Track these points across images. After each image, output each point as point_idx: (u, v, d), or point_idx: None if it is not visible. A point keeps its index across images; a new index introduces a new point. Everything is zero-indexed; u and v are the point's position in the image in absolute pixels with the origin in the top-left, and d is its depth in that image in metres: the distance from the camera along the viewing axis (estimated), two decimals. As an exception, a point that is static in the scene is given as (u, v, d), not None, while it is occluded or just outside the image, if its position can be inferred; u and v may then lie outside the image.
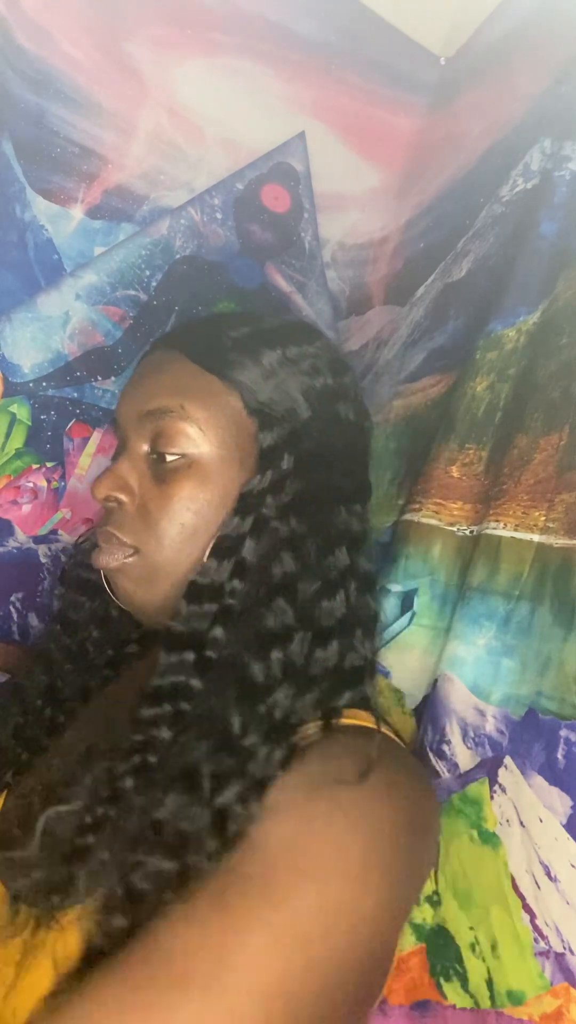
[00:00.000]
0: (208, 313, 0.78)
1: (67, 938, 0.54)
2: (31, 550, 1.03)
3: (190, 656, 0.64)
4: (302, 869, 0.52)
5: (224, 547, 0.67)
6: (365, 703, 0.66)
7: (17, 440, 1.00)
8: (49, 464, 1.03)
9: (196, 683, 0.63)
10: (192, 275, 1.07)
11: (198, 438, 0.69)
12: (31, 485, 1.02)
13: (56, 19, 0.93)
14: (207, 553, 0.68)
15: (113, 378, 1.04)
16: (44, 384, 1.01)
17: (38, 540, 1.03)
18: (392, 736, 0.65)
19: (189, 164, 1.03)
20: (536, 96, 0.93)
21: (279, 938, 0.50)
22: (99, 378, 1.04)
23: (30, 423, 1.01)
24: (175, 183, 1.03)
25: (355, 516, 0.73)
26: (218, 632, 0.64)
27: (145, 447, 0.71)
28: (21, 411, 1.00)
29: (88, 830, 0.58)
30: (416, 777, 0.62)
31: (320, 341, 0.77)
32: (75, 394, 1.03)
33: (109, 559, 0.69)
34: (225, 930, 0.49)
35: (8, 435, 1.00)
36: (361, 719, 0.63)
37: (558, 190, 0.87)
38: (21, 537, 1.02)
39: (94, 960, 0.52)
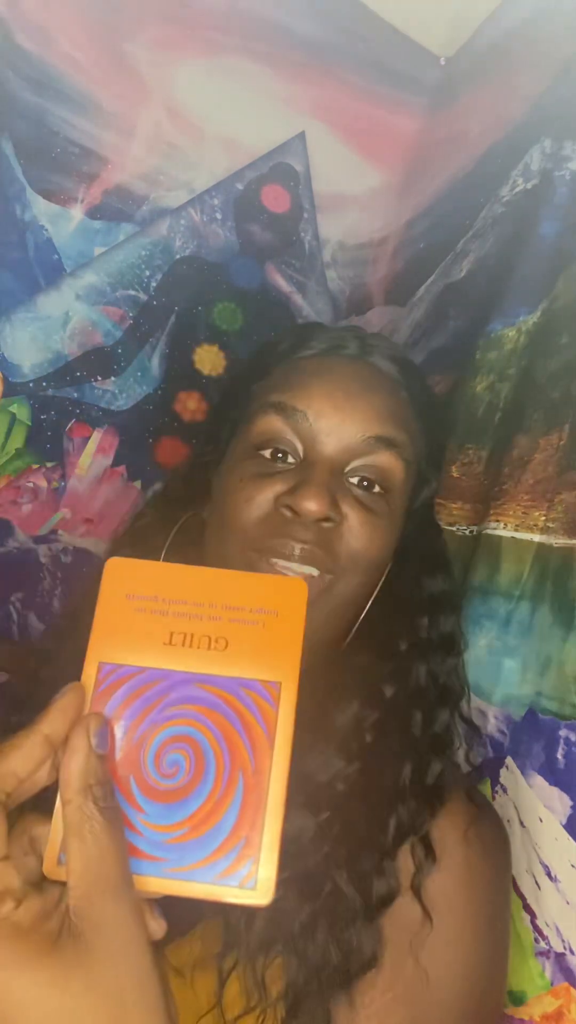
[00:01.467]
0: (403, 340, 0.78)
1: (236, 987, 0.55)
2: (31, 550, 1.03)
3: (370, 712, 0.63)
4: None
5: (392, 598, 0.67)
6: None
7: (17, 440, 1.00)
8: (49, 464, 1.03)
9: (369, 736, 0.62)
10: (192, 275, 1.07)
11: (402, 481, 0.66)
12: (31, 485, 1.02)
13: (56, 19, 0.93)
14: (371, 599, 0.66)
15: (113, 378, 1.04)
16: (44, 384, 1.01)
17: (38, 540, 1.03)
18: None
19: (189, 164, 1.03)
20: (536, 96, 0.93)
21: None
22: (99, 378, 1.04)
23: (30, 423, 1.01)
24: (175, 183, 1.03)
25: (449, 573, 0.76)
26: (391, 688, 0.64)
27: (343, 463, 0.65)
28: (21, 411, 1.00)
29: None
30: (499, 823, 0.66)
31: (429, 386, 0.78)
32: (75, 394, 1.03)
33: (308, 584, 0.64)
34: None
35: (8, 435, 1.00)
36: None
37: (558, 190, 0.87)
38: (21, 537, 1.02)
39: None
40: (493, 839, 0.62)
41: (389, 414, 0.66)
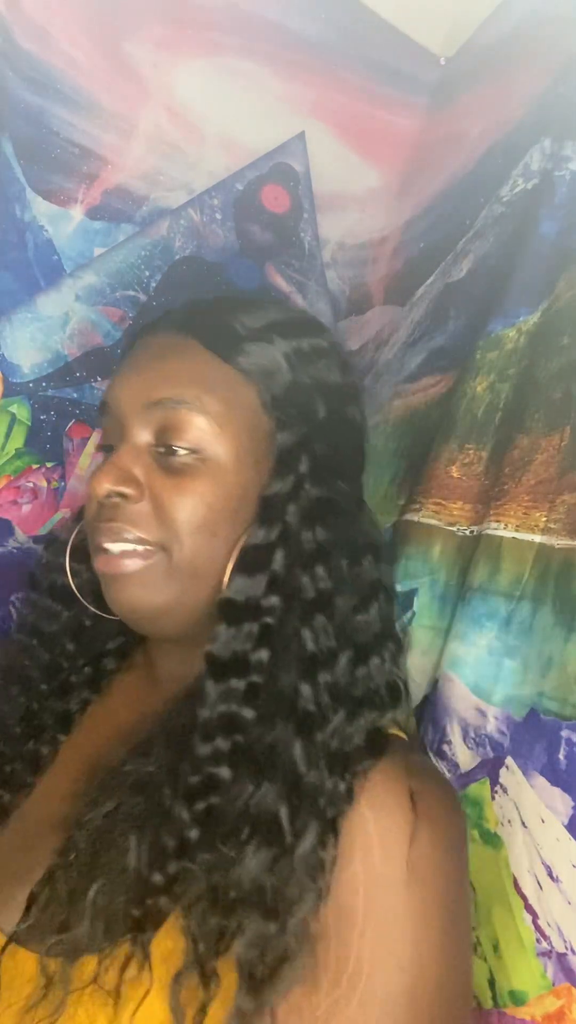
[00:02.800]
0: (213, 296, 0.73)
1: (146, 1011, 0.51)
2: (31, 550, 1.03)
3: (239, 684, 0.59)
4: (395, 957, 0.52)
5: (253, 559, 0.62)
6: (397, 724, 0.65)
7: (17, 440, 1.00)
8: (49, 464, 1.03)
9: (248, 713, 0.58)
10: (192, 276, 1.06)
11: (213, 434, 0.63)
12: (31, 485, 1.02)
13: (56, 19, 0.93)
14: (231, 565, 0.63)
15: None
16: (44, 384, 1.01)
17: (38, 540, 1.03)
18: (428, 759, 0.64)
19: (189, 164, 1.03)
20: (536, 96, 0.93)
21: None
22: (99, 378, 1.04)
23: (30, 423, 1.01)
24: (175, 184, 1.03)
25: (372, 524, 0.70)
26: (263, 655, 0.60)
27: (148, 437, 0.65)
28: (21, 411, 1.00)
29: (159, 892, 0.54)
30: (458, 804, 0.61)
31: (330, 336, 0.73)
32: (75, 394, 1.03)
33: (129, 561, 0.63)
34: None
35: (8, 435, 1.00)
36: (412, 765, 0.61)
37: (558, 190, 0.87)
38: (21, 537, 1.02)
39: None
40: (436, 807, 0.57)
41: (173, 374, 0.65)
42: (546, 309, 0.85)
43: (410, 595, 0.91)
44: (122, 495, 0.63)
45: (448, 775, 0.79)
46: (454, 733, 0.80)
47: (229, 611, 0.61)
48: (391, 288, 1.13)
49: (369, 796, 0.56)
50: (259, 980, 0.51)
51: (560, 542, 0.75)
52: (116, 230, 1.02)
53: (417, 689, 0.86)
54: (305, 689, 0.59)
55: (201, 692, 0.60)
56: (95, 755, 0.67)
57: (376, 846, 0.54)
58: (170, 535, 0.62)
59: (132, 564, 0.63)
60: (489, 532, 0.82)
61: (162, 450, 0.64)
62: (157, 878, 0.54)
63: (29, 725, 0.72)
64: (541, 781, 0.71)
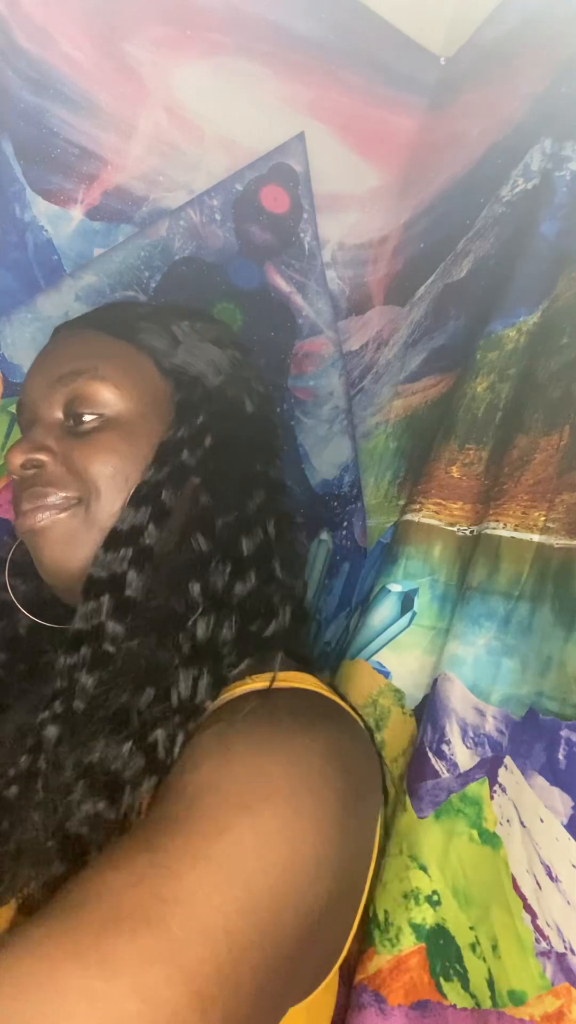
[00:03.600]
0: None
1: None
2: (31, 550, 1.03)
3: (107, 599, 0.63)
4: (229, 801, 0.48)
5: (142, 494, 0.67)
6: (305, 661, 0.68)
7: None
8: (49, 464, 1.03)
9: (115, 626, 0.62)
10: (191, 276, 1.07)
11: (114, 396, 0.70)
12: (31, 485, 1.02)
13: (56, 19, 0.93)
14: (124, 503, 0.68)
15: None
16: (44, 384, 1.01)
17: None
18: (336, 699, 0.63)
19: (188, 165, 1.03)
20: (536, 96, 0.93)
21: (214, 870, 0.45)
22: (99, 378, 1.04)
23: (30, 423, 1.01)
24: (174, 184, 1.03)
25: (271, 466, 0.76)
26: (134, 573, 0.64)
27: (58, 414, 0.71)
28: (21, 411, 1.00)
29: (13, 782, 0.57)
30: (350, 728, 0.60)
31: (223, 325, 0.82)
32: (75, 394, 1.03)
33: (44, 516, 0.67)
34: (156, 867, 0.44)
35: (8, 435, 1.00)
36: (303, 681, 0.62)
37: (558, 190, 0.87)
38: (21, 537, 1.02)
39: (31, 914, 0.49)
40: (265, 737, 0.54)
41: (72, 353, 0.72)
42: (546, 309, 0.85)
43: (410, 595, 0.90)
44: (36, 463, 0.69)
45: (447, 775, 0.79)
46: (453, 733, 0.80)
47: (110, 539, 0.66)
48: (391, 288, 1.13)
49: (231, 697, 0.59)
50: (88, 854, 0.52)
51: (559, 542, 0.75)
52: (116, 230, 1.02)
53: (419, 689, 0.86)
54: (173, 597, 0.64)
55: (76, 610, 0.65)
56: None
57: (222, 739, 0.54)
58: (86, 486, 0.68)
59: (50, 516, 0.67)
60: (488, 532, 0.82)
61: (71, 422, 0.70)
62: (11, 771, 0.58)
63: None
64: (540, 781, 0.71)
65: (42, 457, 0.69)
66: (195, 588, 0.64)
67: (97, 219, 1.00)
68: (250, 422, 0.77)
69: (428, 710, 0.82)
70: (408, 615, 0.90)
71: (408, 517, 0.94)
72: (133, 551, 0.65)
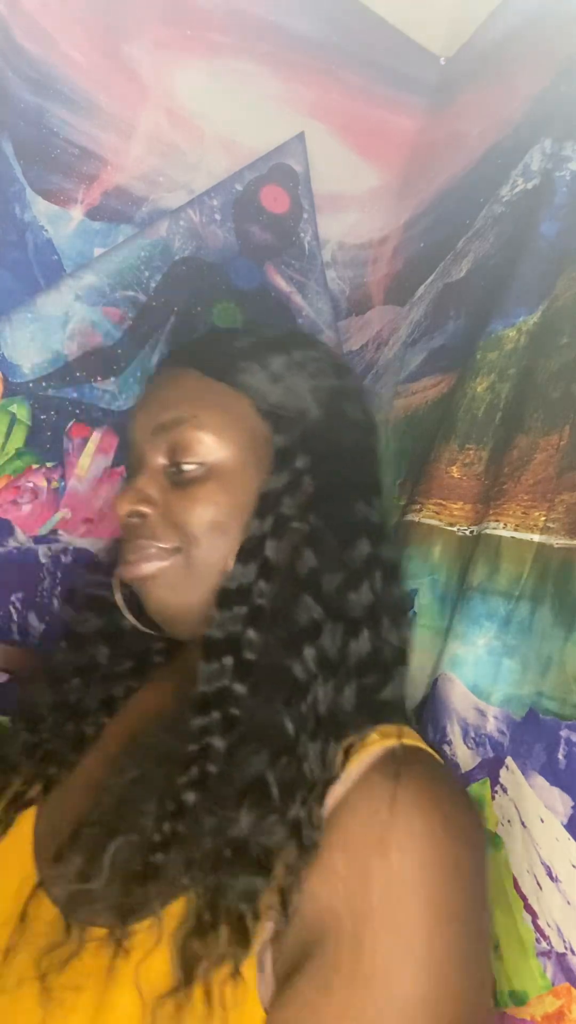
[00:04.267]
0: (209, 328, 0.80)
1: (151, 963, 0.53)
2: (31, 550, 1.03)
3: (229, 661, 0.63)
4: (410, 942, 0.51)
5: (247, 549, 0.67)
6: (401, 710, 0.67)
7: (17, 440, 1.00)
8: (49, 464, 1.03)
9: (240, 687, 0.63)
10: (191, 276, 1.07)
11: (214, 445, 0.70)
12: (31, 485, 1.02)
13: (56, 19, 0.93)
14: (233, 559, 0.68)
15: (113, 378, 1.04)
16: (44, 384, 1.01)
17: (38, 540, 1.03)
18: (429, 751, 0.63)
19: (188, 165, 1.03)
20: (536, 96, 0.94)
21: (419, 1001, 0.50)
22: (99, 378, 1.04)
23: (30, 423, 1.01)
24: (174, 184, 1.03)
25: (373, 508, 0.73)
26: (251, 634, 0.64)
27: (162, 460, 0.71)
28: (21, 411, 1.00)
29: (158, 848, 0.57)
30: (461, 793, 0.62)
31: (321, 346, 0.79)
32: (75, 394, 1.03)
33: (147, 566, 0.69)
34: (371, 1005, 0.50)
35: (8, 435, 1.00)
36: (410, 737, 0.62)
37: (558, 190, 0.87)
38: (21, 537, 1.02)
39: (182, 986, 0.51)
40: (414, 804, 0.56)
41: (172, 399, 0.72)
42: (546, 309, 0.85)
43: (411, 595, 0.90)
44: (140, 513, 0.70)
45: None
46: (454, 733, 0.80)
47: (222, 597, 0.66)
48: (391, 288, 1.13)
49: (358, 761, 0.58)
50: (248, 930, 0.53)
51: (559, 541, 0.75)
52: (116, 230, 1.02)
53: (417, 689, 0.86)
54: (291, 661, 0.62)
55: (185, 670, 0.66)
56: (133, 732, 0.72)
57: (365, 816, 0.55)
58: (185, 538, 0.68)
59: (150, 567, 0.68)
60: (488, 532, 0.82)
61: (174, 470, 0.70)
62: (156, 837, 0.57)
63: (67, 711, 0.77)
64: (540, 781, 0.71)
65: (144, 509, 0.70)
66: (310, 653, 0.63)
67: (97, 219, 1.00)
68: (351, 459, 0.75)
69: (429, 710, 0.82)
70: (408, 615, 0.90)
71: (408, 517, 0.94)
72: (247, 610, 0.65)
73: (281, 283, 1.11)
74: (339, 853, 0.54)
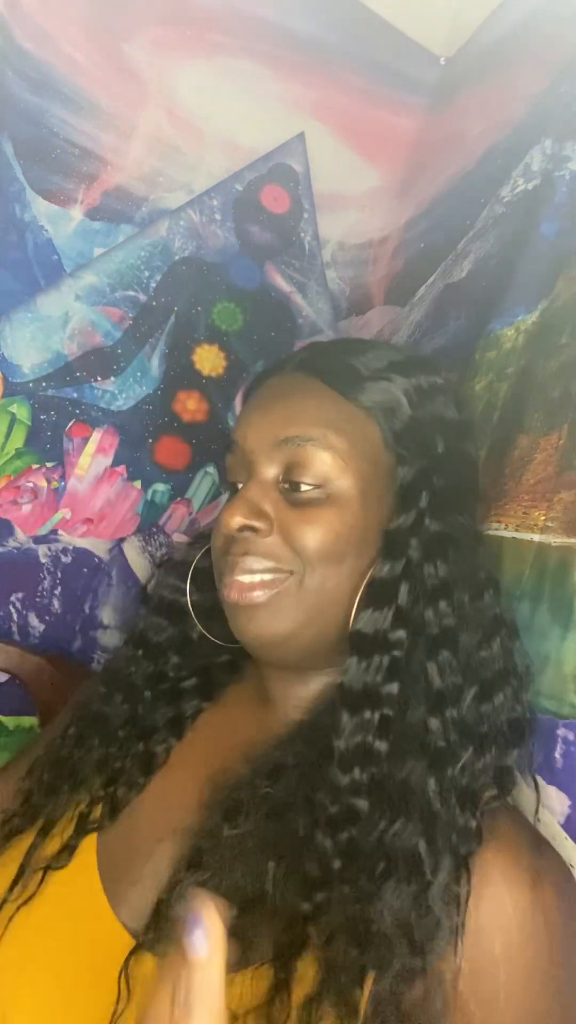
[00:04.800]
0: (334, 339, 0.76)
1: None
2: (31, 550, 1.03)
3: (372, 716, 0.60)
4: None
5: (379, 593, 0.64)
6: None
7: (17, 440, 1.01)
8: (49, 464, 1.03)
9: (382, 745, 0.59)
10: (191, 276, 1.07)
11: (338, 470, 0.65)
12: (31, 485, 1.02)
13: (56, 20, 0.93)
14: (358, 597, 0.64)
15: (113, 378, 1.05)
16: (44, 384, 1.01)
17: (38, 540, 1.03)
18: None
19: (188, 165, 1.03)
20: (536, 96, 0.93)
21: None
22: (99, 378, 1.04)
23: (30, 423, 1.01)
24: (174, 184, 1.04)
25: (489, 557, 0.72)
26: (393, 688, 0.61)
27: (275, 472, 0.67)
28: (21, 411, 1.00)
29: (306, 919, 0.54)
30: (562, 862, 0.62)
31: (445, 373, 0.75)
32: (75, 394, 1.03)
33: (259, 592, 0.64)
34: None
35: (8, 435, 1.00)
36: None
37: (559, 190, 0.87)
38: (21, 537, 1.02)
39: None
40: (557, 879, 0.58)
41: (299, 413, 0.67)
42: (545, 309, 0.85)
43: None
44: (253, 528, 0.65)
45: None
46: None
47: (360, 643, 0.62)
48: (391, 288, 1.13)
49: (497, 836, 0.58)
50: (395, 1016, 0.52)
51: (557, 540, 0.75)
52: (116, 230, 1.02)
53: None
54: (434, 724, 0.60)
55: (336, 723, 0.61)
56: (211, 764, 0.67)
57: (506, 895, 0.55)
58: (300, 561, 0.64)
59: (263, 595, 0.64)
60: (490, 533, 0.82)
61: (287, 486, 0.66)
62: (305, 907, 0.55)
63: (136, 728, 0.74)
64: (538, 780, 0.70)
65: (260, 524, 0.65)
66: (451, 716, 0.60)
67: (97, 219, 1.00)
68: (466, 501, 0.72)
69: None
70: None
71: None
72: (389, 662, 0.61)
73: (281, 283, 1.12)
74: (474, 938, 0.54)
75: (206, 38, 1.00)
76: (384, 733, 0.60)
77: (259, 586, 0.64)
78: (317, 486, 0.65)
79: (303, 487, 0.65)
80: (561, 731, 0.69)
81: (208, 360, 1.09)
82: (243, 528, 0.65)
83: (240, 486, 0.69)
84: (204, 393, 1.09)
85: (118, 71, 0.97)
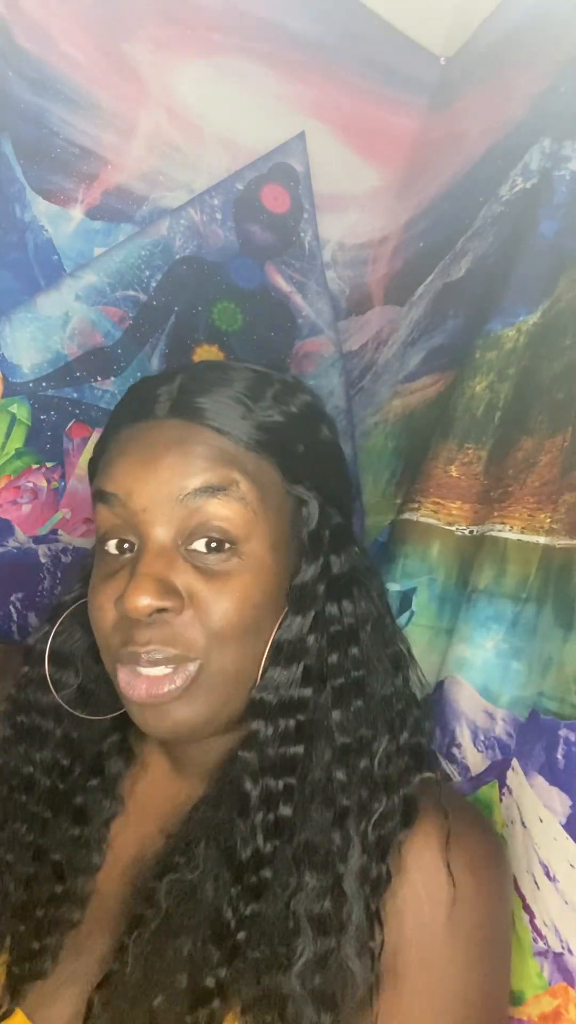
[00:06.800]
0: (188, 369, 0.65)
1: None
2: (31, 550, 1.03)
3: (276, 785, 0.58)
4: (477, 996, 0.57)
5: (287, 652, 0.60)
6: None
7: (17, 440, 1.00)
8: (49, 464, 1.03)
9: (287, 811, 0.57)
10: (192, 275, 1.07)
11: (249, 525, 0.59)
12: (31, 485, 1.02)
13: (56, 19, 0.93)
14: (263, 661, 0.60)
15: (113, 378, 1.04)
16: (44, 384, 1.01)
17: (38, 540, 1.03)
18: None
19: (188, 165, 1.03)
20: (536, 96, 0.93)
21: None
22: (99, 378, 1.04)
23: (30, 423, 1.01)
24: (174, 184, 1.03)
25: (366, 556, 0.69)
26: (299, 751, 0.58)
27: (173, 536, 0.59)
28: (21, 411, 1.00)
29: (211, 997, 0.54)
30: (498, 846, 0.64)
31: (307, 387, 0.69)
32: (75, 394, 1.03)
33: (172, 687, 0.57)
34: None
35: (8, 435, 1.00)
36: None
37: (558, 190, 0.87)
38: (21, 537, 1.02)
39: None
40: (476, 856, 0.59)
41: (197, 461, 0.59)
42: (547, 310, 0.85)
43: (408, 594, 0.91)
44: (164, 610, 0.57)
45: (459, 778, 0.79)
46: (463, 736, 0.80)
47: (262, 710, 0.59)
48: (391, 288, 1.13)
49: (409, 865, 0.58)
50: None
51: (561, 542, 0.75)
52: (116, 230, 1.02)
53: (418, 689, 0.86)
54: (341, 777, 0.59)
55: (241, 797, 0.58)
56: (134, 866, 0.64)
57: (425, 905, 0.57)
58: (212, 645, 0.58)
59: (175, 688, 0.58)
60: (494, 534, 0.82)
61: (192, 550, 0.59)
62: (210, 982, 0.54)
63: (51, 864, 0.66)
64: (540, 780, 0.71)
65: (172, 605, 0.57)
66: (362, 765, 0.60)
67: (97, 219, 1.00)
68: (351, 520, 0.69)
69: (437, 713, 0.82)
70: (406, 614, 0.90)
71: (406, 516, 0.94)
72: (294, 725, 0.59)
73: (281, 283, 1.11)
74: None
75: (206, 37, 0.99)
76: (289, 799, 0.58)
77: (168, 679, 0.57)
78: (230, 546, 0.59)
79: (214, 549, 0.58)
80: (563, 732, 0.69)
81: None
82: (153, 612, 0.57)
83: (123, 547, 0.61)
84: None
85: (118, 70, 0.97)
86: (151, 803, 0.68)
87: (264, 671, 0.60)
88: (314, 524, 0.63)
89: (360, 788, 0.59)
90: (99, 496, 0.62)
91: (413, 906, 0.57)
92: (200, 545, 0.59)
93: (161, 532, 0.59)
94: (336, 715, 0.60)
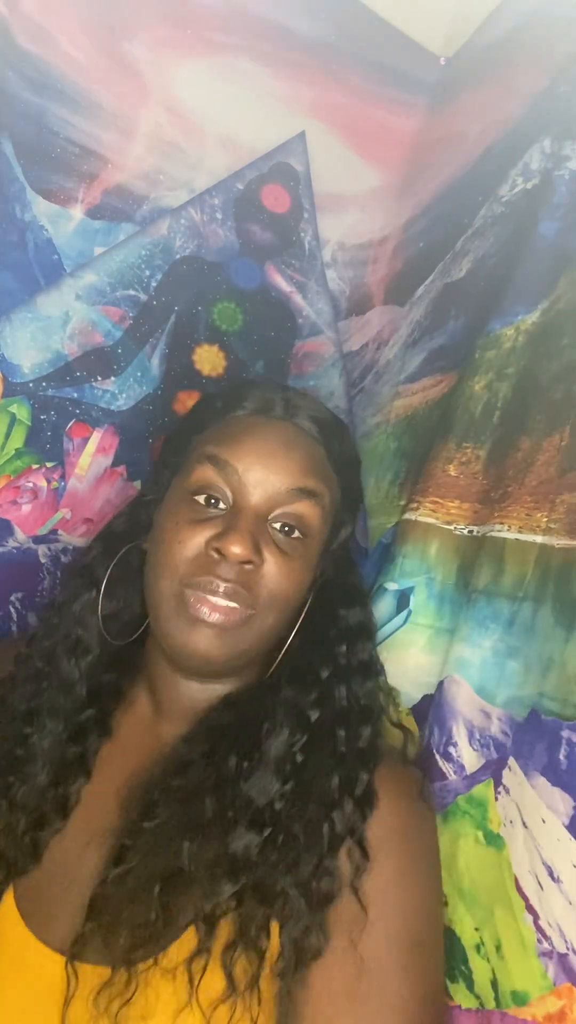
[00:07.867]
0: (286, 386, 0.84)
1: (207, 981, 0.60)
2: (31, 550, 1.03)
3: (299, 738, 0.71)
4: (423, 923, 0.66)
5: (311, 636, 0.78)
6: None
7: (17, 440, 1.00)
8: (49, 464, 1.02)
9: (300, 757, 0.71)
10: (192, 275, 1.06)
11: (321, 525, 0.76)
12: (31, 485, 1.02)
13: (56, 19, 0.93)
14: (293, 633, 0.77)
15: (113, 378, 1.04)
16: (44, 384, 1.01)
17: (38, 540, 1.03)
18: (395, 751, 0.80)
19: (189, 164, 1.03)
20: (536, 96, 0.93)
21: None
22: (99, 378, 1.03)
23: (30, 423, 1.01)
24: (175, 183, 1.03)
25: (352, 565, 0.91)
26: (317, 714, 0.73)
27: (269, 512, 0.74)
28: (21, 411, 1.00)
29: (227, 896, 0.63)
30: (419, 785, 0.74)
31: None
32: (75, 394, 1.03)
33: (226, 617, 0.70)
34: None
35: (8, 435, 1.00)
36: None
37: (558, 190, 0.87)
38: (21, 537, 1.02)
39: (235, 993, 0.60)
40: (420, 831, 0.70)
41: (308, 468, 0.75)
42: (546, 309, 0.85)
43: (406, 593, 0.90)
44: (249, 562, 0.71)
45: (454, 777, 0.79)
46: (460, 735, 0.80)
47: (294, 675, 0.76)
48: (391, 288, 1.13)
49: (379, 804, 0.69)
50: (300, 950, 0.62)
51: (560, 542, 0.75)
52: (116, 229, 1.02)
53: (418, 688, 0.86)
54: (341, 735, 0.73)
55: (273, 733, 0.71)
56: (120, 792, 0.74)
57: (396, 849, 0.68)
58: (267, 603, 0.72)
59: (225, 621, 0.70)
60: (493, 534, 0.82)
61: (277, 526, 0.74)
62: (227, 887, 0.63)
63: (52, 769, 0.76)
64: (542, 781, 0.71)
65: (257, 561, 0.71)
66: (364, 731, 0.74)
67: (98, 218, 1.00)
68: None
69: (435, 712, 0.82)
70: (404, 613, 0.90)
71: (406, 516, 0.94)
72: (316, 693, 0.75)
73: (281, 283, 1.11)
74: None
75: (206, 37, 0.99)
76: (304, 749, 0.71)
77: (225, 612, 0.70)
78: (299, 536, 0.75)
79: (295, 535, 0.74)
80: (565, 732, 0.69)
81: (208, 360, 1.09)
82: (245, 561, 0.71)
83: (220, 504, 0.74)
84: (205, 393, 1.08)
85: (118, 70, 0.97)
86: (134, 736, 0.79)
87: (291, 646, 0.77)
88: (341, 538, 0.82)
89: (354, 747, 0.73)
90: (212, 460, 0.75)
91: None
92: (279, 525, 0.74)
93: (262, 505, 0.73)
94: (344, 688, 0.76)
